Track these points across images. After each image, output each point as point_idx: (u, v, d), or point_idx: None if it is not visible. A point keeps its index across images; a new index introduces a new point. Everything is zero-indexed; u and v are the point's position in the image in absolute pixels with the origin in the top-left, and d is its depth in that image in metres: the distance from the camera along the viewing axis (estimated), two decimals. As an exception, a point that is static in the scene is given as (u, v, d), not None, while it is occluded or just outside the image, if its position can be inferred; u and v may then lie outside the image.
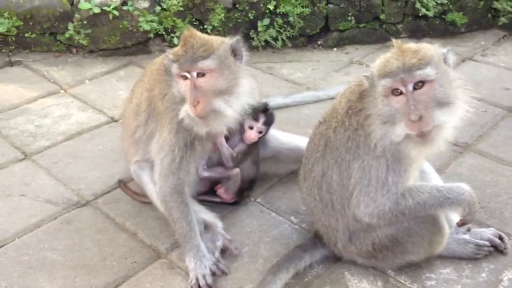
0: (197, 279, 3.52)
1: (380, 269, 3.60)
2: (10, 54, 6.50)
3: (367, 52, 6.47)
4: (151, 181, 3.92)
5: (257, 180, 4.32)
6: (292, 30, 6.49)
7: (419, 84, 3.02)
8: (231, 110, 3.51)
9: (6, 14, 6.25)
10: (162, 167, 3.72)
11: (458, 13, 6.61)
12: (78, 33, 6.35)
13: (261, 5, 6.35)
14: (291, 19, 6.40)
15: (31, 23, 6.34)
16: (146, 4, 6.31)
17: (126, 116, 4.25)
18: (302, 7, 6.38)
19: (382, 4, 6.55)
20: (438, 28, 6.69)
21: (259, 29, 6.42)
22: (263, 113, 4.07)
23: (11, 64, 6.39)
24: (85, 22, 6.30)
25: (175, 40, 6.26)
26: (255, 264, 3.69)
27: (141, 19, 6.28)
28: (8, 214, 4.19)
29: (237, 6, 6.36)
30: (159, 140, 3.75)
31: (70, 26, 6.32)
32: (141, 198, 4.22)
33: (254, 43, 6.45)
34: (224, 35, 3.67)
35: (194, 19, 6.40)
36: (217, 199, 4.15)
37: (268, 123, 4.11)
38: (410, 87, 3.02)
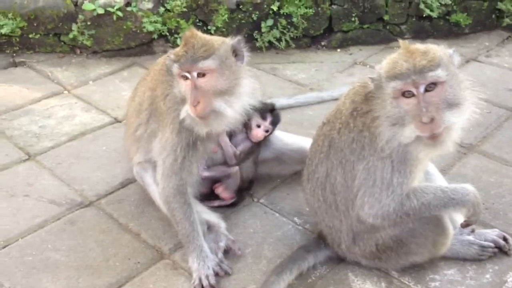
0: (200, 279, 3.52)
1: (384, 270, 3.59)
2: (14, 55, 6.51)
3: (371, 53, 6.46)
4: (154, 182, 3.93)
5: (256, 180, 4.32)
6: (295, 31, 6.48)
7: (431, 86, 3.00)
8: (232, 110, 3.51)
9: (10, 15, 6.26)
10: (165, 167, 3.72)
11: (462, 14, 6.60)
12: (82, 34, 6.36)
13: (265, 6, 6.35)
14: (294, 20, 6.40)
15: (35, 24, 6.35)
16: (150, 5, 6.32)
17: (128, 115, 4.27)
18: (306, 8, 6.38)
19: (386, 5, 6.54)
20: (442, 29, 6.68)
21: (263, 30, 6.42)
22: (271, 112, 4.10)
23: (15, 65, 6.40)
24: (89, 23, 6.31)
25: (179, 41, 6.26)
26: (259, 264, 3.69)
27: (145, 20, 6.28)
28: (11, 215, 4.20)
29: (240, 7, 6.36)
30: (161, 140, 3.75)
31: (74, 27, 6.33)
32: None
33: (257, 44, 6.45)
34: (228, 36, 3.66)
35: (197, 20, 6.40)
36: (215, 203, 4.14)
37: (275, 122, 4.14)
38: (422, 89, 3.00)
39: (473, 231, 3.67)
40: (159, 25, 6.31)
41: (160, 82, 3.81)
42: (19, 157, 4.85)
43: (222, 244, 3.75)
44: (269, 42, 6.50)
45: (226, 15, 6.33)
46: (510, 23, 6.67)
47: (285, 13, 6.38)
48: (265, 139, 4.17)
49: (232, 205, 4.18)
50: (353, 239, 3.50)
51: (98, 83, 6.06)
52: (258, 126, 4.06)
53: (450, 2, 6.50)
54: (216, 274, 3.57)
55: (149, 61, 6.18)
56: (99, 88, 5.95)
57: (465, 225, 3.42)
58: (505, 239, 3.69)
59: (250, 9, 6.35)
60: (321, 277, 3.58)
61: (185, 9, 6.31)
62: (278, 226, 4.02)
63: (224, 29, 6.34)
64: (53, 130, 5.21)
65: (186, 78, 3.47)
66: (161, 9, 6.32)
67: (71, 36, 6.37)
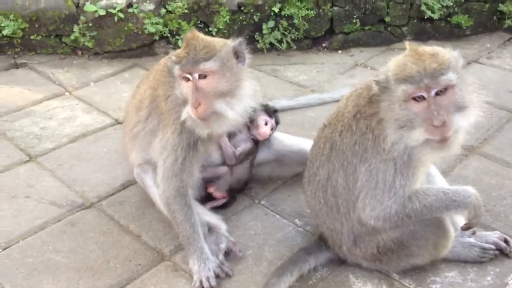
0: (201, 281, 3.52)
1: (385, 272, 3.59)
2: (16, 56, 6.51)
3: (372, 55, 6.46)
4: (154, 184, 3.93)
5: (250, 181, 4.33)
6: (297, 33, 6.48)
7: (442, 89, 3.00)
8: (233, 112, 3.51)
9: (11, 17, 6.27)
10: (165, 168, 3.72)
11: (463, 16, 6.60)
12: (84, 35, 6.36)
13: (266, 8, 6.35)
14: (296, 21, 6.40)
15: (36, 25, 6.36)
16: (151, 7, 6.32)
17: (128, 111, 4.27)
18: (307, 9, 6.38)
19: (387, 6, 6.54)
20: (444, 31, 6.68)
21: (264, 31, 6.42)
22: (274, 112, 4.19)
23: (16, 66, 6.41)
24: (90, 25, 6.32)
25: (180, 43, 6.26)
26: (259, 266, 3.68)
27: (146, 21, 6.29)
28: (12, 216, 4.20)
29: (242, 8, 6.36)
30: (162, 140, 3.75)
31: (76, 28, 6.33)
32: None
33: (259, 46, 6.45)
34: (229, 37, 3.66)
35: (199, 22, 6.40)
36: (207, 205, 4.13)
37: (277, 122, 4.23)
38: (433, 93, 2.99)
39: (474, 233, 3.67)
40: (160, 27, 6.31)
41: (161, 83, 3.81)
42: (20, 158, 4.86)
43: (223, 246, 3.75)
44: (270, 43, 6.50)
45: (228, 17, 6.34)
46: (511, 24, 6.66)
47: (286, 15, 6.38)
48: (265, 140, 4.19)
49: (224, 205, 4.18)
50: (354, 241, 3.49)
51: (100, 85, 6.06)
52: (266, 124, 4.11)
53: (452, 3, 6.50)
54: (217, 276, 3.57)
55: (150, 62, 6.19)
56: (100, 90, 5.95)
57: (466, 227, 3.41)
58: (506, 241, 3.68)
59: (252, 10, 6.35)
60: (322, 279, 3.58)
61: (186, 11, 6.31)
62: (279, 228, 4.01)
63: (225, 31, 6.34)
64: (54, 132, 5.22)
65: (188, 79, 3.47)
66: (163, 11, 6.32)
67: (72, 37, 6.37)
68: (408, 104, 3.04)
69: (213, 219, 3.92)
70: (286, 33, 6.47)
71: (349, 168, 3.33)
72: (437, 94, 3.00)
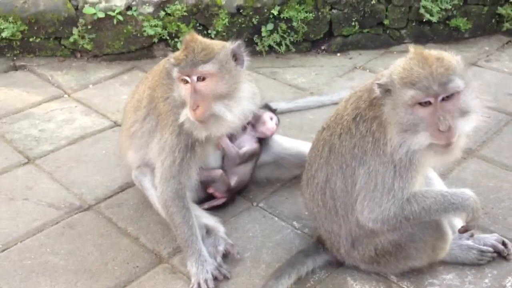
0: (199, 283, 3.51)
1: (383, 274, 3.58)
2: (15, 58, 6.52)
3: (371, 58, 6.47)
4: (152, 187, 3.93)
5: (250, 183, 4.33)
6: (296, 35, 6.49)
7: (449, 94, 2.99)
8: (231, 114, 3.51)
9: (11, 19, 6.28)
10: (163, 169, 3.72)
11: (462, 19, 6.61)
12: (83, 37, 6.37)
13: (265, 10, 6.36)
14: (295, 24, 6.41)
15: (35, 28, 6.37)
16: (150, 9, 6.33)
17: (126, 110, 4.27)
18: (306, 12, 6.39)
19: (386, 9, 6.55)
20: (442, 34, 6.69)
21: (263, 34, 6.43)
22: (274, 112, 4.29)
23: (15, 68, 6.42)
24: (89, 27, 6.33)
25: (179, 45, 6.27)
26: (257, 269, 3.68)
27: (145, 24, 6.29)
28: (11, 218, 4.20)
29: (241, 11, 6.37)
30: (160, 141, 3.76)
31: (75, 30, 6.35)
32: None
33: (258, 48, 6.46)
34: (228, 40, 3.66)
35: (198, 24, 6.41)
36: (205, 205, 4.13)
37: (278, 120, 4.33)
38: (440, 98, 2.98)
39: (472, 235, 3.67)
40: (159, 29, 6.32)
41: (160, 84, 3.82)
42: (18, 160, 4.86)
43: (221, 248, 3.74)
44: (269, 46, 6.51)
45: (227, 19, 6.34)
46: (510, 27, 6.68)
47: (285, 18, 6.39)
48: (266, 139, 4.23)
49: (223, 205, 4.18)
50: (352, 243, 3.49)
51: (98, 87, 6.07)
52: (271, 119, 4.17)
53: (450, 7, 6.51)
54: (215, 278, 3.57)
55: (149, 65, 6.18)
56: (99, 92, 5.96)
57: (464, 230, 3.41)
58: (504, 243, 3.68)
59: (251, 13, 6.36)
60: (320, 281, 3.58)
61: (185, 13, 6.32)
62: (277, 230, 4.01)
63: (224, 33, 6.35)
64: (53, 134, 5.22)
65: (186, 82, 3.48)
66: (162, 13, 6.33)
67: (71, 40, 6.38)
68: (413, 109, 3.03)
69: (211, 221, 3.91)
70: (285, 35, 6.48)
71: (348, 170, 3.33)
72: (443, 99, 2.99)
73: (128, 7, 6.31)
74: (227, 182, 4.10)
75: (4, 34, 6.25)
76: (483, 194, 4.12)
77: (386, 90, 3.12)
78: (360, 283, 3.55)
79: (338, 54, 6.61)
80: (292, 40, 6.51)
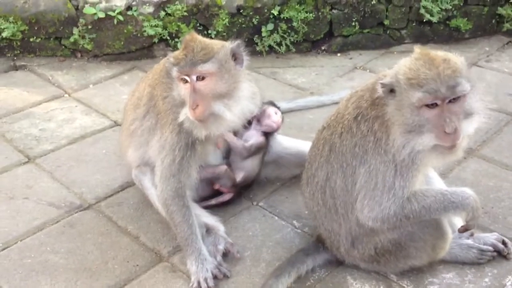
0: (198, 282, 3.51)
1: (383, 273, 3.58)
2: (15, 58, 6.53)
3: (371, 58, 6.47)
4: (153, 186, 3.94)
5: (256, 181, 4.33)
6: (296, 36, 6.50)
7: (456, 97, 2.99)
8: (231, 114, 3.52)
9: (11, 19, 6.29)
10: (163, 168, 3.72)
11: (462, 19, 6.62)
12: (83, 37, 6.37)
13: (265, 11, 6.37)
14: (295, 24, 6.41)
15: (36, 28, 6.38)
16: (150, 9, 6.33)
17: (126, 108, 4.28)
18: (306, 12, 6.39)
19: (386, 9, 6.56)
20: (442, 34, 6.69)
21: (263, 34, 6.44)
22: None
23: (16, 68, 6.42)
24: (89, 27, 6.33)
25: (179, 45, 6.26)
26: (257, 267, 3.68)
27: (145, 24, 6.30)
28: (11, 217, 4.20)
29: (241, 11, 6.38)
30: (161, 140, 3.76)
31: (75, 30, 6.35)
32: None
33: (258, 48, 6.46)
34: (228, 40, 3.67)
35: (198, 24, 6.42)
36: (212, 201, 4.15)
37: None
38: (447, 100, 2.98)
39: (472, 235, 3.67)
40: (159, 29, 6.33)
41: (160, 83, 3.82)
42: (18, 159, 4.86)
43: (221, 247, 3.75)
44: (270, 46, 6.51)
45: (227, 20, 6.35)
46: (510, 28, 6.69)
47: (285, 18, 6.39)
48: (271, 136, 4.27)
49: (225, 203, 4.19)
50: (352, 242, 3.49)
51: (99, 87, 6.07)
52: (276, 113, 4.21)
53: (451, 7, 6.52)
54: (215, 277, 3.57)
55: (149, 65, 6.17)
56: (100, 92, 5.96)
57: (464, 230, 3.41)
58: (504, 243, 3.68)
59: (251, 13, 6.37)
60: (320, 280, 3.58)
61: (185, 13, 6.33)
62: (277, 229, 4.01)
63: (224, 34, 6.36)
64: (53, 133, 5.22)
65: (186, 81, 3.48)
66: (162, 13, 6.33)
67: (72, 40, 6.39)
68: (420, 110, 3.02)
69: (211, 220, 3.91)
70: (285, 36, 6.48)
71: (348, 169, 3.33)
72: (449, 101, 2.99)
73: (129, 7, 6.31)
74: (232, 177, 4.10)
75: (4, 34, 6.25)
76: (483, 194, 4.13)
77: (390, 90, 3.11)
78: (360, 282, 3.55)
79: (338, 54, 6.61)
80: (292, 40, 6.51)
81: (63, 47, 6.53)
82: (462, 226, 3.39)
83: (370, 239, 3.43)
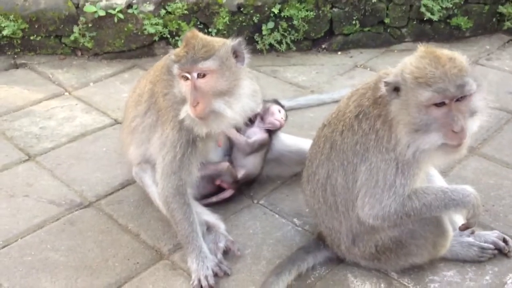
0: (199, 280, 3.51)
1: (383, 271, 3.59)
2: (16, 56, 6.52)
3: (372, 56, 6.47)
4: (153, 183, 3.94)
5: (258, 178, 4.33)
6: (296, 34, 6.49)
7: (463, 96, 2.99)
8: (231, 111, 3.52)
9: (11, 17, 6.28)
10: (164, 165, 3.71)
11: (463, 18, 6.61)
12: (83, 36, 6.37)
13: (266, 9, 6.36)
14: (295, 22, 6.40)
15: (36, 26, 6.37)
16: (151, 7, 6.33)
17: (127, 105, 4.27)
18: (307, 10, 6.39)
19: (387, 8, 6.55)
20: (443, 32, 6.69)
21: (264, 32, 6.43)
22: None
23: (16, 66, 6.42)
24: (90, 25, 6.33)
25: (180, 43, 6.25)
26: (258, 265, 3.68)
27: (146, 22, 6.30)
28: (11, 215, 4.20)
29: (241, 9, 6.37)
30: (162, 136, 3.76)
31: (75, 29, 6.35)
32: None
33: (258, 47, 6.46)
34: (229, 38, 3.67)
35: (198, 23, 6.41)
36: (213, 199, 4.15)
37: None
38: (455, 99, 2.98)
39: (473, 232, 3.67)
40: (160, 28, 6.32)
41: (161, 80, 3.82)
42: (19, 157, 4.86)
43: (222, 244, 3.75)
44: (270, 44, 6.51)
45: (227, 18, 6.34)
46: (511, 26, 6.68)
47: (286, 16, 6.39)
48: (274, 134, 4.28)
49: (226, 201, 4.18)
50: (352, 240, 3.49)
51: (99, 85, 6.07)
52: (279, 111, 4.22)
53: (451, 5, 6.51)
54: (215, 275, 3.57)
55: (150, 63, 6.18)
56: (100, 90, 5.96)
57: (464, 228, 3.41)
58: (505, 240, 3.68)
59: (251, 11, 6.36)
60: (320, 278, 3.58)
61: (186, 12, 6.32)
62: (278, 227, 4.01)
63: (225, 32, 6.35)
64: (53, 131, 5.22)
65: (186, 78, 3.47)
66: (162, 12, 6.33)
67: (72, 38, 6.38)
68: (428, 109, 3.01)
69: (212, 218, 3.91)
70: (285, 34, 6.48)
71: (349, 167, 3.32)
72: (457, 100, 2.98)
73: (129, 5, 6.31)
74: (234, 174, 4.09)
75: (5, 32, 6.25)
76: (484, 192, 4.13)
77: (394, 88, 3.10)
78: (360, 280, 3.55)
79: (339, 53, 6.61)
80: (292, 38, 6.51)
81: (64, 45, 6.53)
82: (463, 224, 3.39)
83: (371, 237, 3.43)
